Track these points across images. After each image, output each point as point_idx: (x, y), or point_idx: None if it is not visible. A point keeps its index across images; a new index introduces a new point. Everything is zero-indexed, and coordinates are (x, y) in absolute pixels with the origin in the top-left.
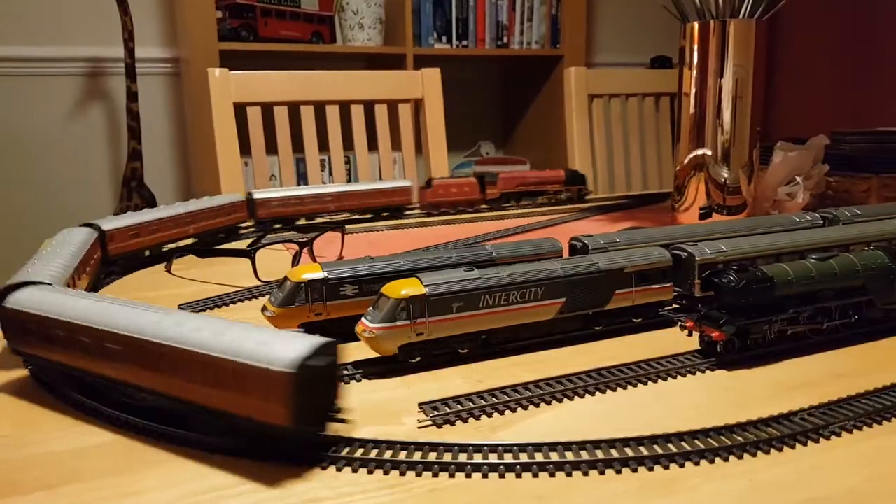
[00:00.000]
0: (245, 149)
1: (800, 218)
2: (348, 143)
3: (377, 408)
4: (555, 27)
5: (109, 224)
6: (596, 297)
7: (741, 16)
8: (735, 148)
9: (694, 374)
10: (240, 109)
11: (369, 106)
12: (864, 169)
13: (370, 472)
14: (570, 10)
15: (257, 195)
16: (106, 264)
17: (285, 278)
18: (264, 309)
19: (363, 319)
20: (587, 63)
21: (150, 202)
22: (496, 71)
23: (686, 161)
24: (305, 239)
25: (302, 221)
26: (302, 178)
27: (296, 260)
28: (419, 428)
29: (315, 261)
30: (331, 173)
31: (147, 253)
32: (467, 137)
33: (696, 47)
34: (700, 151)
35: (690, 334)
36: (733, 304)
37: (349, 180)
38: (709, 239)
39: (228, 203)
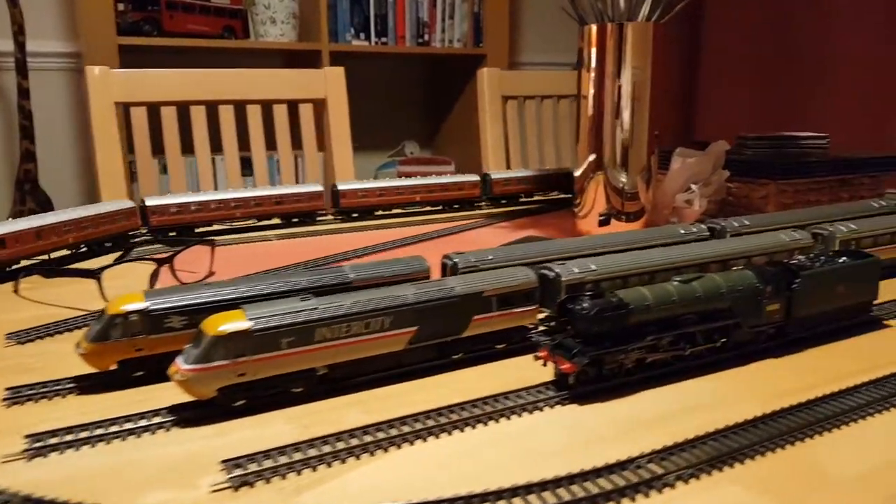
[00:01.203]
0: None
1: (685, 230)
2: (244, 145)
3: (175, 465)
4: (477, 25)
5: None
6: (451, 324)
7: (639, 18)
8: (633, 151)
9: (542, 410)
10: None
11: (267, 106)
12: (763, 175)
13: None
14: (493, 8)
15: None
16: None
17: (102, 310)
18: (77, 345)
19: (177, 359)
20: (511, 63)
21: (46, 206)
22: (420, 69)
23: (585, 165)
24: (166, 255)
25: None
26: (194, 183)
27: (153, 280)
28: (212, 492)
29: (178, 279)
30: (223, 176)
31: None
32: (391, 137)
33: (594, 49)
34: (598, 155)
35: (545, 364)
36: (587, 332)
37: (246, 186)
38: (581, 256)
39: None
